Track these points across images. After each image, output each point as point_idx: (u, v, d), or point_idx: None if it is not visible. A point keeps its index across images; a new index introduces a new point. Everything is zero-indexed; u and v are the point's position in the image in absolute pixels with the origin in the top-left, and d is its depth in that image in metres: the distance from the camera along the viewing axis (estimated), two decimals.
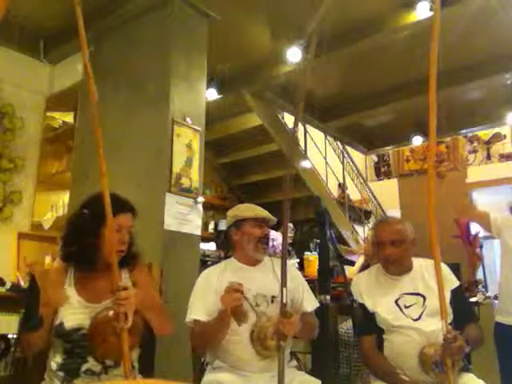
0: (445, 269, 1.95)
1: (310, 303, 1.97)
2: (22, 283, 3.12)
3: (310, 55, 1.52)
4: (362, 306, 1.97)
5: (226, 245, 2.05)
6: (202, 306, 1.82)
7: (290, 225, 4.57)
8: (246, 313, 1.71)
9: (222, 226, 4.71)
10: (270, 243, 3.58)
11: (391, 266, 1.96)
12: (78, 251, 1.68)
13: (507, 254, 2.47)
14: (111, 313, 1.55)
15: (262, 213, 1.99)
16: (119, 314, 1.52)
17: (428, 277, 1.91)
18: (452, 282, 1.94)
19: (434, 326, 1.74)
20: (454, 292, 1.90)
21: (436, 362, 1.68)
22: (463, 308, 1.92)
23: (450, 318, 1.79)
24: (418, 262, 1.98)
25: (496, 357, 2.38)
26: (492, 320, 2.49)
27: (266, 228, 1.97)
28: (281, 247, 4.01)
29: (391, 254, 1.91)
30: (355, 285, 2.06)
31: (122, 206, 1.72)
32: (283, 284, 1.57)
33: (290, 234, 4.43)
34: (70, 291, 1.67)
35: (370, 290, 1.99)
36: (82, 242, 1.67)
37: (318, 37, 1.43)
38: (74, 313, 1.63)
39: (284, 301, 1.58)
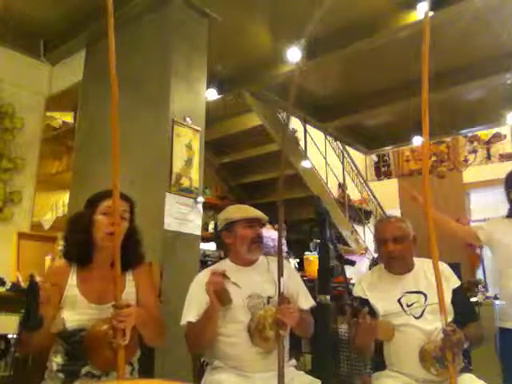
0: (446, 269, 1.97)
1: (306, 301, 1.97)
2: (22, 283, 3.12)
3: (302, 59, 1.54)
4: (366, 302, 1.96)
5: (220, 247, 2.05)
6: (195, 308, 1.82)
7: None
8: (228, 292, 1.71)
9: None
10: (271, 243, 3.58)
11: (394, 262, 1.97)
12: (76, 243, 1.68)
13: (506, 252, 2.43)
14: (108, 327, 1.50)
15: (253, 213, 1.95)
16: (118, 330, 1.48)
17: (430, 275, 1.91)
18: (453, 281, 1.95)
19: (436, 324, 1.74)
20: (455, 292, 1.91)
21: (436, 356, 1.69)
22: (465, 307, 1.93)
23: (451, 317, 1.80)
24: (420, 262, 2.01)
25: (496, 357, 2.37)
26: (492, 320, 2.47)
27: (258, 228, 1.95)
28: (283, 246, 4.02)
29: (394, 251, 1.93)
30: (358, 284, 2.07)
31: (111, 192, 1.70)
32: (280, 273, 1.57)
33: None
34: (73, 291, 1.65)
35: (373, 289, 2.00)
36: (79, 234, 1.68)
37: (317, 37, 1.44)
38: (77, 313, 1.62)
39: (281, 289, 1.59)
